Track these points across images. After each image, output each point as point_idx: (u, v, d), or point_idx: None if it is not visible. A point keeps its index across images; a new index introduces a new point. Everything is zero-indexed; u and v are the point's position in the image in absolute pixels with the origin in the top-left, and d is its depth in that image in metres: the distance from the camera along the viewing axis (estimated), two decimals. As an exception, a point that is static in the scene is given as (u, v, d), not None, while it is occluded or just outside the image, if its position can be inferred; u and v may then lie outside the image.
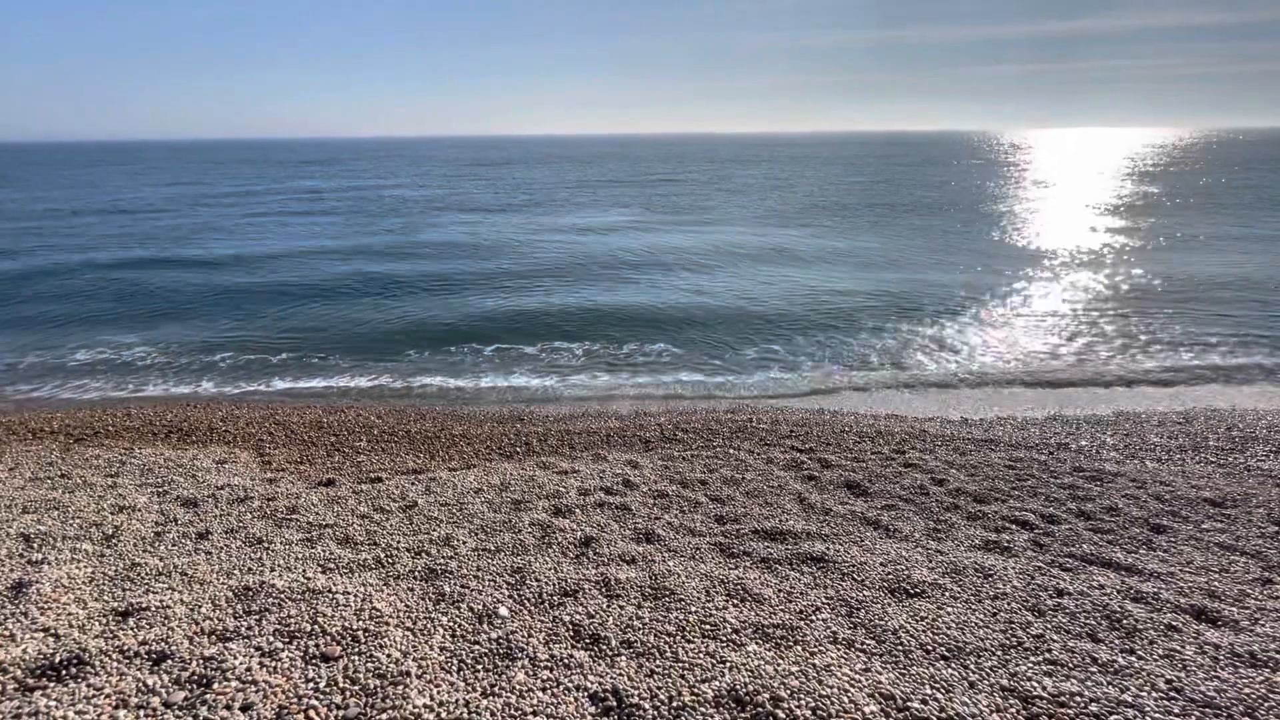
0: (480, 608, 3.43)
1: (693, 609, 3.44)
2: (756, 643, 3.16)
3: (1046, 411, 8.18)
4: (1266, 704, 2.75)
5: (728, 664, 2.97)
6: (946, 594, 3.63)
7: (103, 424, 7.40)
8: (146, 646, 3.02)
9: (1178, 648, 3.14)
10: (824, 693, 2.78)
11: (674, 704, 2.72)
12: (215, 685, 2.76)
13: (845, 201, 34.20)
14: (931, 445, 6.55)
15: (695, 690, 2.80)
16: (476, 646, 3.10)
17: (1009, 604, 3.53)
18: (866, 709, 2.70)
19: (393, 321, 13.01)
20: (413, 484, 5.44)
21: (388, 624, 3.25)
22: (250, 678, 2.81)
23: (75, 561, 3.94)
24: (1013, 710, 2.72)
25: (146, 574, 3.78)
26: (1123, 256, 18.67)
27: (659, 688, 2.82)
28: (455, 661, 2.99)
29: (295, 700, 2.69)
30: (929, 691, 2.82)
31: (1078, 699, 2.76)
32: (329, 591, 3.55)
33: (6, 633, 3.13)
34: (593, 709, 2.71)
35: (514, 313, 13.54)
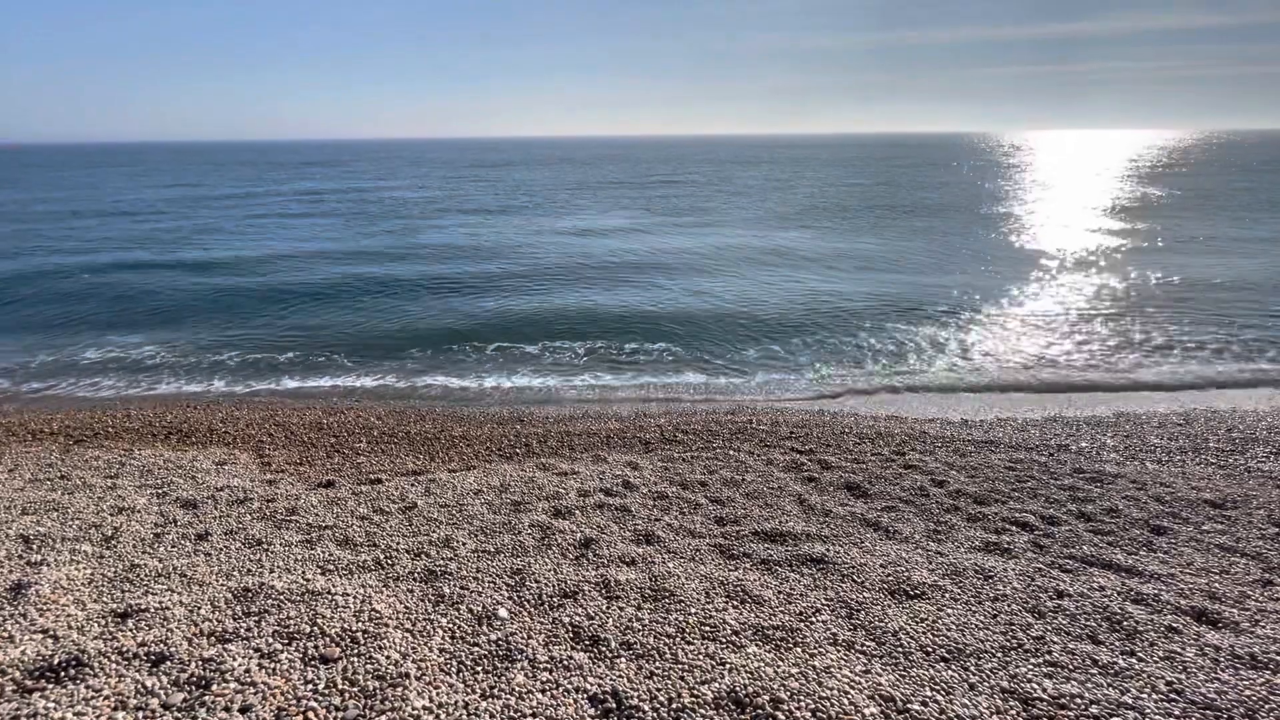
0: (480, 609, 3.43)
1: (692, 610, 3.43)
2: (756, 644, 3.16)
3: (1047, 413, 8.17)
4: (1267, 706, 2.75)
5: (727, 666, 2.97)
6: (946, 596, 3.63)
7: (102, 425, 7.39)
8: (145, 648, 3.01)
9: (1178, 649, 3.14)
10: (824, 694, 2.78)
11: (674, 706, 2.72)
12: (214, 687, 2.76)
13: (845, 203, 34.22)
14: (931, 447, 6.54)
15: (695, 692, 2.80)
16: (476, 648, 3.10)
17: (1009, 605, 3.53)
18: (866, 711, 2.69)
19: (395, 323, 13.03)
20: (412, 485, 5.44)
21: (387, 625, 3.25)
22: (249, 679, 2.80)
23: (74, 563, 3.93)
24: (1013, 712, 2.71)
25: (146, 575, 3.77)
26: (1123, 258, 18.68)
27: (659, 689, 2.81)
28: (454, 663, 2.98)
29: (294, 702, 2.69)
30: (929, 693, 2.81)
31: (1078, 701, 2.76)
32: (328, 593, 3.54)
33: (5, 634, 3.12)
34: (592, 711, 2.71)
35: (515, 314, 13.55)
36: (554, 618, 3.37)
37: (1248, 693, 2.83)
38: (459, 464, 6.23)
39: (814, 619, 3.40)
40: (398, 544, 4.26)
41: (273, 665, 2.91)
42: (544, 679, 2.88)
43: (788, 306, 13.99)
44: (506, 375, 10.20)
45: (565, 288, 15.72)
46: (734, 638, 3.21)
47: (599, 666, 2.97)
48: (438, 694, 2.77)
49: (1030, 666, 3.01)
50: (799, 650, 3.11)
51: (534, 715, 2.67)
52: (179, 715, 2.61)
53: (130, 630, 3.18)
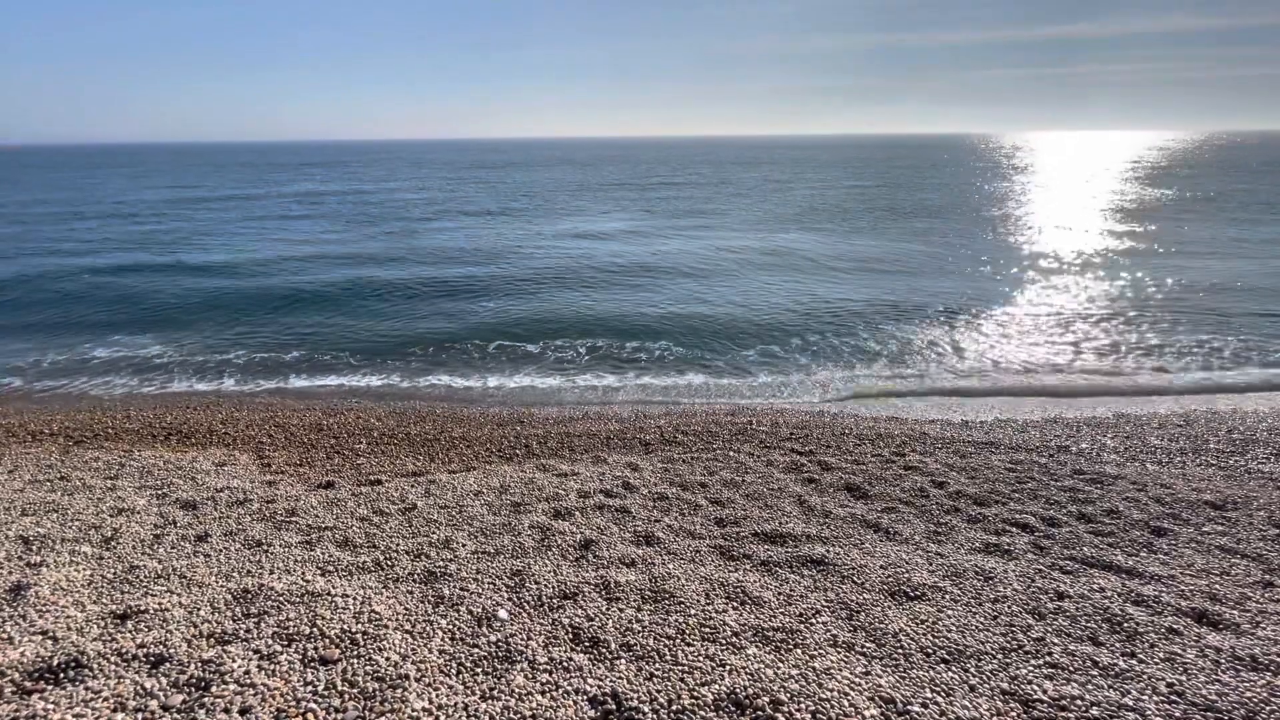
0: (479, 610, 3.42)
1: (692, 612, 3.43)
2: (756, 646, 3.15)
3: (1047, 414, 8.17)
4: (1268, 708, 2.74)
5: (727, 667, 2.97)
6: (947, 597, 3.62)
7: (102, 426, 7.39)
8: (145, 649, 3.01)
9: (1179, 651, 3.14)
10: (824, 696, 2.78)
11: (674, 707, 2.71)
12: (214, 688, 2.75)
13: (845, 204, 34.23)
14: (931, 448, 6.54)
15: (695, 693, 2.79)
16: (475, 649, 3.09)
17: (1009, 607, 3.52)
18: (867, 713, 2.69)
19: (397, 324, 13.06)
20: (412, 486, 5.44)
21: (387, 627, 3.24)
22: (249, 681, 2.80)
23: (74, 564, 3.93)
24: (1013, 714, 2.71)
25: (145, 577, 3.77)
26: (1123, 260, 18.68)
27: (658, 691, 2.81)
28: (454, 664, 2.98)
29: (294, 703, 2.68)
30: (929, 695, 2.81)
31: (1079, 702, 2.76)
32: (328, 594, 3.54)
33: (5, 635, 3.12)
34: (592, 712, 2.70)
35: (516, 316, 13.56)
36: (554, 619, 3.36)
37: (1248, 694, 2.82)
38: (459, 465, 6.23)
39: (814, 620, 3.39)
40: (397, 545, 4.25)
41: (272, 667, 2.91)
42: (544, 680, 2.88)
43: (788, 308, 14.00)
44: (508, 375, 10.24)
45: (566, 290, 15.73)
46: (734, 639, 3.20)
47: (599, 668, 2.97)
48: (437, 695, 2.77)
49: (1031, 668, 3.00)
50: (799, 652, 3.11)
51: (534, 717, 2.67)
52: (178, 717, 2.61)
53: (129, 632, 3.18)
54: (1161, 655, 3.11)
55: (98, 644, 3.05)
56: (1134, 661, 3.05)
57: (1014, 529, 4.61)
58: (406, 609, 3.43)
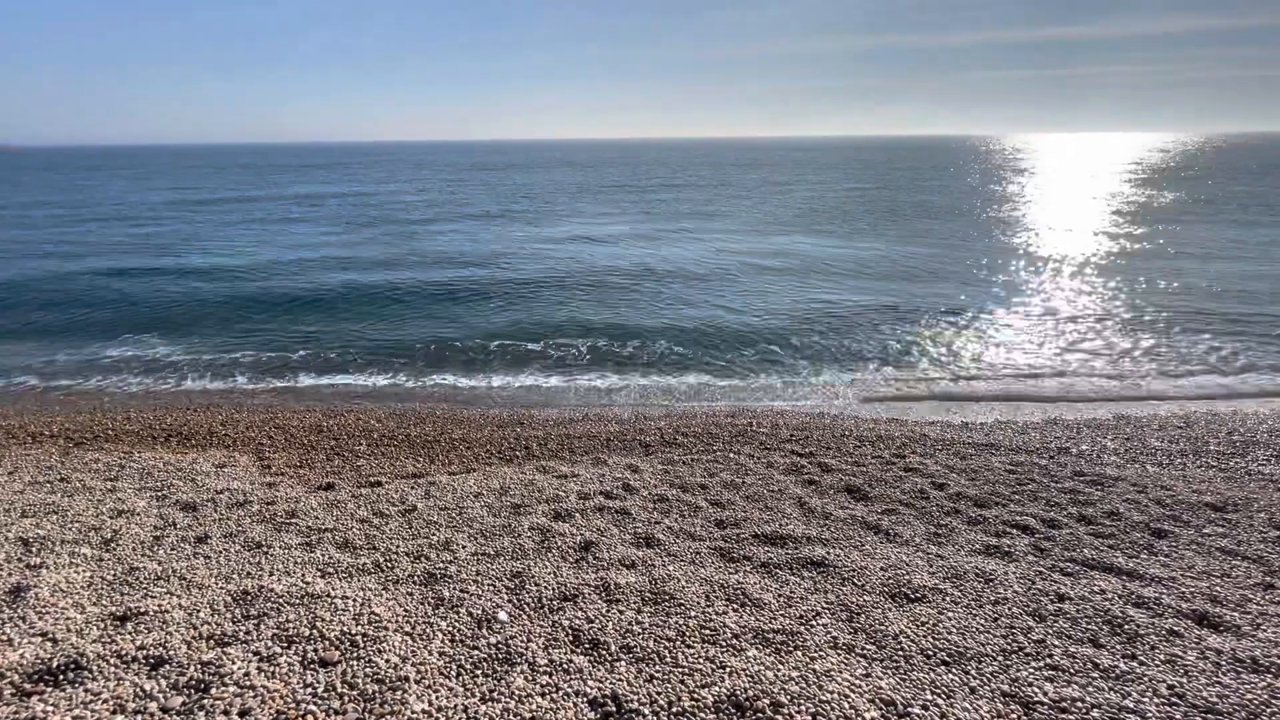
0: (479, 612, 3.42)
1: (692, 614, 3.43)
2: (756, 648, 3.15)
3: (1047, 416, 8.17)
4: (1269, 710, 2.74)
5: (728, 669, 2.96)
6: (947, 599, 3.62)
7: (102, 428, 7.39)
8: (144, 651, 3.01)
9: (1179, 653, 3.13)
10: (824, 698, 2.77)
11: (674, 709, 2.71)
12: (213, 690, 2.75)
13: (844, 206, 34.26)
14: (932, 449, 6.54)
15: (695, 696, 2.79)
16: (475, 651, 3.09)
17: (1010, 609, 3.52)
18: (867, 715, 2.69)
19: (398, 326, 13.06)
20: (412, 488, 5.44)
21: (386, 629, 3.24)
22: (248, 683, 2.80)
23: (74, 566, 3.93)
24: (1014, 716, 2.71)
25: (145, 578, 3.77)
26: (1124, 262, 18.69)
27: (659, 693, 2.81)
28: (454, 666, 2.98)
29: (293, 705, 2.68)
30: (930, 697, 2.80)
31: (1079, 705, 2.75)
32: (328, 596, 3.54)
33: (4, 637, 3.12)
34: (592, 714, 2.70)
35: (516, 317, 13.56)
36: (554, 621, 3.36)
37: (1249, 696, 2.82)
38: (459, 467, 6.22)
39: (814, 622, 3.39)
40: (397, 547, 4.25)
41: (272, 669, 2.91)
42: (544, 682, 2.87)
43: (788, 309, 14.00)
44: (509, 376, 10.26)
45: (567, 292, 15.73)
46: (734, 641, 3.20)
47: (599, 670, 2.97)
48: (437, 697, 2.77)
49: (1031, 670, 3.00)
50: (799, 654, 3.11)
51: (534, 719, 2.67)
52: (178, 719, 2.61)
53: (129, 633, 3.17)
54: (1162, 657, 3.10)
55: (97, 646, 3.05)
56: (1135, 663, 3.05)
57: (1014, 531, 4.61)
58: (406, 611, 3.43)
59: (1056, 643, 3.20)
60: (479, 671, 2.95)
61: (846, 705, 2.74)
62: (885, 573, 3.91)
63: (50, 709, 2.65)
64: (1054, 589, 3.72)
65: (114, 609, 3.40)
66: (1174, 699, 2.80)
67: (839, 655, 3.10)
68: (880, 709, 2.73)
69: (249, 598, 3.51)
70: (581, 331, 12.44)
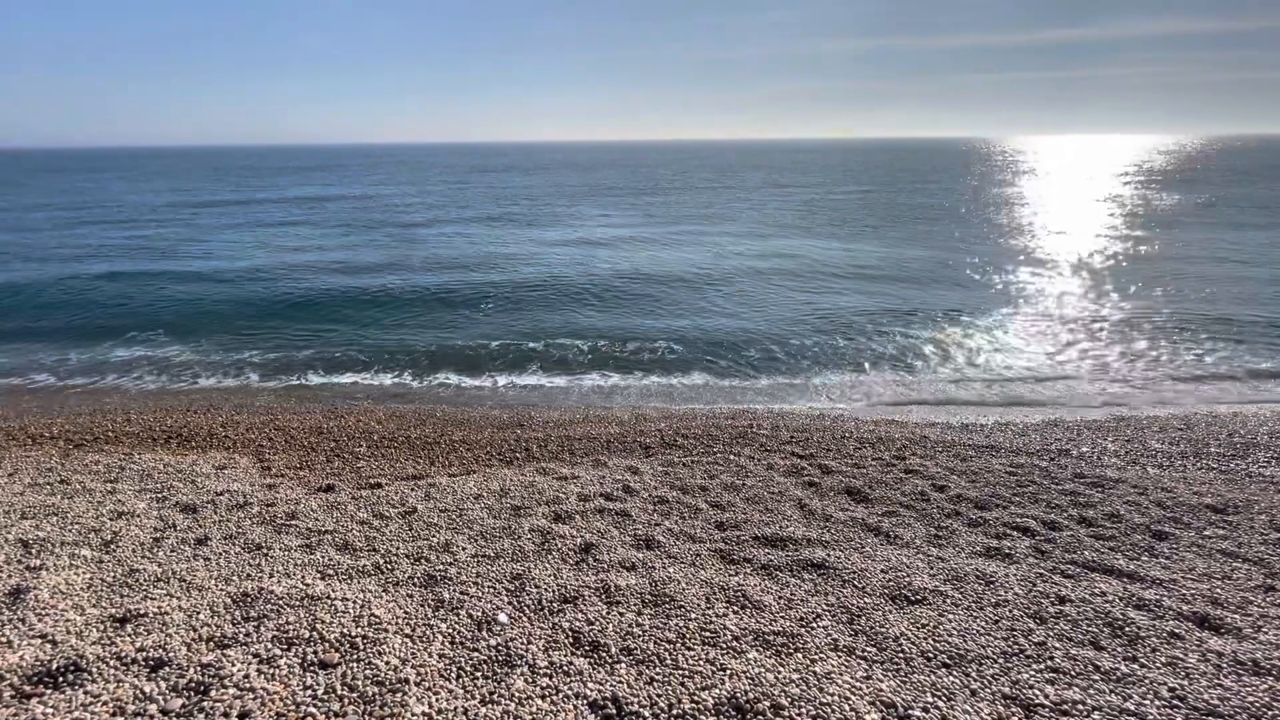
0: (479, 614, 3.42)
1: (693, 616, 3.42)
2: (757, 650, 3.15)
3: (1047, 417, 8.16)
4: (1270, 712, 2.73)
5: (728, 671, 2.96)
6: (948, 601, 3.61)
7: (102, 430, 7.39)
8: (144, 653, 3.00)
9: (1180, 655, 3.13)
10: (824, 700, 2.77)
11: (674, 712, 2.71)
12: (213, 693, 2.75)
13: (845, 209, 34.28)
14: (932, 451, 6.53)
15: (695, 698, 2.78)
16: (475, 654, 3.09)
17: (1011, 611, 3.51)
18: (868, 717, 2.68)
19: (400, 328, 13.10)
20: (412, 490, 5.43)
21: (386, 631, 3.24)
22: (248, 685, 2.79)
23: (73, 567, 3.93)
24: (1015, 718, 2.70)
25: (145, 580, 3.77)
26: (1124, 264, 18.70)
27: (659, 695, 2.80)
28: (454, 669, 2.97)
29: (293, 708, 2.68)
30: (930, 699, 2.80)
31: (1080, 707, 2.75)
32: (328, 598, 3.53)
33: (4, 639, 3.12)
34: (592, 717, 2.69)
35: (516, 319, 13.58)
36: (554, 623, 3.36)
37: (1250, 699, 2.82)
38: (459, 468, 6.22)
39: (815, 624, 3.39)
40: (397, 549, 4.25)
41: (272, 671, 2.90)
42: (544, 685, 2.87)
43: (788, 311, 14.01)
44: (511, 377, 10.31)
45: (567, 294, 15.74)
46: (734, 643, 3.19)
47: (599, 672, 2.96)
48: (437, 700, 2.76)
49: (1032, 672, 2.99)
50: (800, 656, 3.10)
51: (534, 721, 2.66)
52: (177, 721, 2.60)
53: (129, 635, 3.17)
54: (1163, 660, 3.10)
55: (97, 648, 3.05)
56: (1136, 666, 3.04)
57: (1015, 533, 4.60)
58: (406, 613, 3.43)
59: (1057, 645, 3.20)
60: (479, 674, 2.95)
61: (847, 708, 2.73)
62: (886, 575, 3.91)
63: (50, 711, 2.64)
64: (1055, 591, 3.71)
65: (114, 611, 3.39)
66: (1175, 701, 2.80)
67: (839, 657, 3.10)
68: (881, 711, 2.72)
69: (249, 600, 3.51)
70: (582, 333, 12.45)
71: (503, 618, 3.39)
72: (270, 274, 17.85)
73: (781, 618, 3.44)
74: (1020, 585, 3.78)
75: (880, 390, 9.67)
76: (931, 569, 4.01)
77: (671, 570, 3.96)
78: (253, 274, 17.88)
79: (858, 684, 2.89)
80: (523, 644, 3.15)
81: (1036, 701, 2.79)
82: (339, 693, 2.77)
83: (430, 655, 3.06)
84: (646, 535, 4.50)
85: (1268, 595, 3.73)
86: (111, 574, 3.85)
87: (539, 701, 2.76)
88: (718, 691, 2.82)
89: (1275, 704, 2.78)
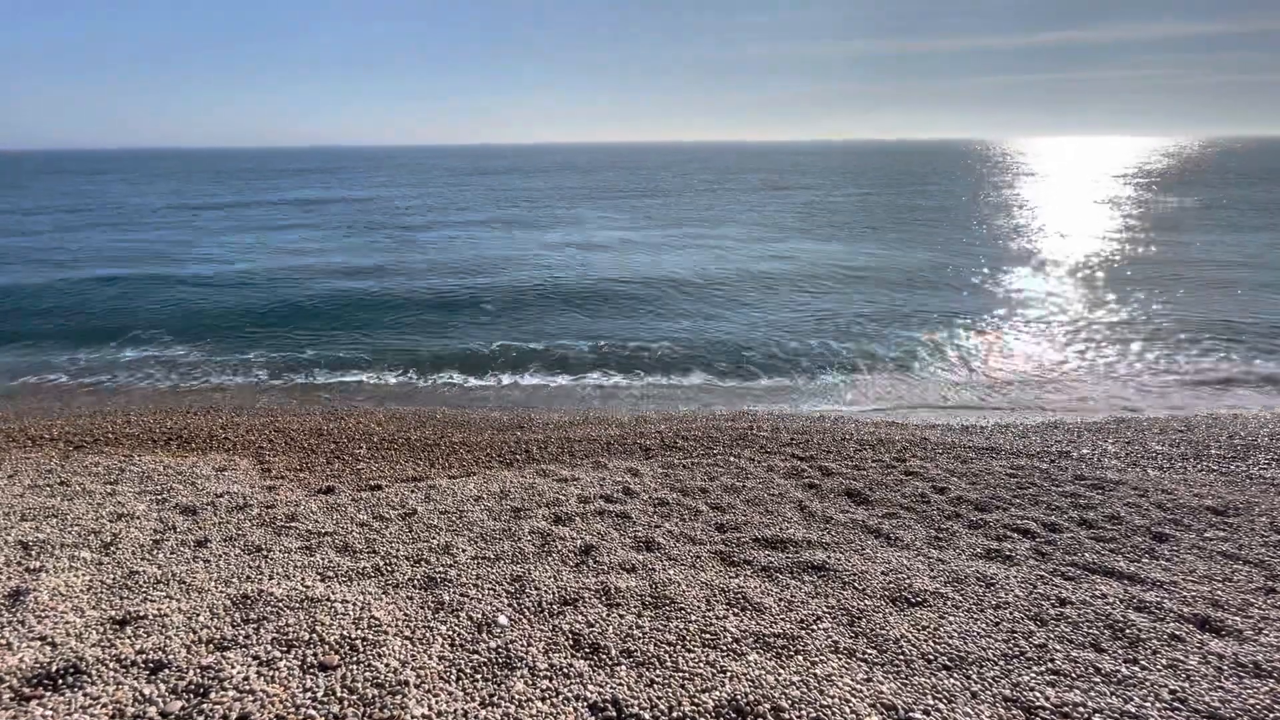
0: (479, 616, 3.41)
1: (693, 618, 3.42)
2: (757, 652, 3.14)
3: (1047, 419, 8.16)
4: (1272, 715, 2.73)
5: (728, 674, 2.96)
6: (948, 603, 3.61)
7: (102, 431, 7.39)
8: (144, 655, 3.00)
9: (1181, 658, 3.12)
10: (825, 703, 2.76)
11: (674, 714, 2.70)
12: (213, 695, 2.74)
13: (844, 211, 34.31)
14: (932, 453, 6.53)
15: (696, 700, 2.78)
16: (475, 656, 3.08)
17: (1011, 613, 3.51)
18: None
19: (401, 330, 13.12)
20: (412, 492, 5.43)
21: (386, 633, 3.23)
22: (248, 687, 2.79)
23: (73, 569, 3.92)
24: (1016, 721, 2.70)
25: (144, 582, 3.76)
26: (1124, 266, 18.71)
27: (659, 698, 2.80)
28: (454, 671, 2.97)
29: (293, 710, 2.67)
30: (931, 702, 2.80)
31: (1081, 710, 2.74)
32: (328, 600, 3.53)
33: (3, 641, 3.11)
34: (593, 719, 2.69)
35: (516, 321, 13.59)
36: (554, 625, 3.35)
37: (1252, 701, 2.81)
38: (459, 470, 6.22)
39: (815, 626, 3.38)
40: (397, 551, 4.24)
41: (271, 673, 2.90)
42: (544, 687, 2.87)
43: (788, 313, 14.01)
44: (511, 379, 10.33)
45: (567, 297, 15.74)
46: (735, 645, 3.19)
47: (599, 674, 2.96)
48: (437, 702, 2.76)
49: (1033, 675, 2.99)
50: (800, 658, 3.10)
51: (534, 724, 2.66)
52: (177, 723, 2.60)
53: (129, 638, 3.17)
54: (1164, 662, 3.09)
55: (96, 650, 3.05)
56: (1136, 668, 3.04)
57: (1015, 535, 4.60)
58: (406, 615, 3.42)
59: (1058, 647, 3.19)
60: (479, 676, 2.94)
61: (848, 710, 2.73)
62: (886, 577, 3.91)
63: (49, 713, 2.64)
64: (1055, 593, 3.71)
65: (113, 613, 3.39)
66: (1176, 704, 2.79)
67: (840, 660, 3.10)
68: (881, 714, 2.72)
69: (249, 602, 3.50)
70: (582, 335, 12.45)
71: (503, 620, 3.39)
72: (274, 277, 17.84)
73: (782, 620, 3.44)
74: (1021, 587, 3.78)
75: (880, 392, 9.67)
76: (932, 571, 4.00)
77: (672, 572, 3.96)
78: (254, 276, 17.88)
79: (858, 686, 2.89)
80: (523, 646, 3.15)
81: (1037, 704, 2.78)
82: (339, 695, 2.77)
83: (430, 657, 3.06)
84: (646, 537, 4.49)
85: (1268, 597, 3.72)
86: (111, 576, 3.84)
87: (539, 704, 2.76)
88: (718, 694, 2.81)
89: (1276, 706, 2.77)
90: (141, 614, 3.36)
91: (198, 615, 3.36)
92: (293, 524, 4.70)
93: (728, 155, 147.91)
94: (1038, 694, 2.84)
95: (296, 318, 13.89)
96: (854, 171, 73.61)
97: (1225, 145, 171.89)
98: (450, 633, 3.27)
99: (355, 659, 3.02)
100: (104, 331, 12.93)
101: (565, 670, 2.97)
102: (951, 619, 3.44)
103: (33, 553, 4.14)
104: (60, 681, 2.84)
